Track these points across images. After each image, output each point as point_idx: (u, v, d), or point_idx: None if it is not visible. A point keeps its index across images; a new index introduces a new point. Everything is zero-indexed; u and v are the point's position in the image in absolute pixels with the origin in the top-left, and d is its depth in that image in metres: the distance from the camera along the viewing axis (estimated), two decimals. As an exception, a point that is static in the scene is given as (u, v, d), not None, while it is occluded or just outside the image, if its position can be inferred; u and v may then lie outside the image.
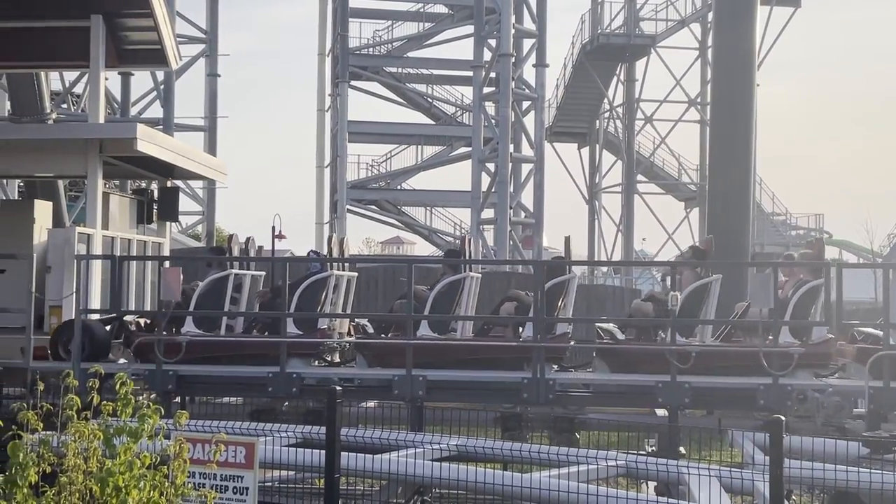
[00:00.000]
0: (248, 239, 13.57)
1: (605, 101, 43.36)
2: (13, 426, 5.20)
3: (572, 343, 12.27)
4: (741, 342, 12.01)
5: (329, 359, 12.55)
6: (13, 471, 4.99)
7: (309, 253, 13.89)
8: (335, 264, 12.63)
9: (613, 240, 43.90)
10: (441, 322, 11.99)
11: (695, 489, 7.90)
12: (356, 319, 13.19)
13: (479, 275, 13.10)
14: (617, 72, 42.61)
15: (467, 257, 12.69)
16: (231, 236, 13.64)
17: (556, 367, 11.81)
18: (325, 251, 13.04)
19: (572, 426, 11.37)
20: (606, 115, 44.02)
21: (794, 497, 9.83)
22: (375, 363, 11.93)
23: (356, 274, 13.53)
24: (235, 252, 13.23)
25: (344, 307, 13.11)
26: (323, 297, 12.23)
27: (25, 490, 5.00)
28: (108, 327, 12.56)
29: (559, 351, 11.68)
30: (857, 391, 11.03)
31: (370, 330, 12.76)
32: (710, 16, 33.74)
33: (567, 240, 12.71)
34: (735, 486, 8.23)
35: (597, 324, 13.08)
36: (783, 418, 7.13)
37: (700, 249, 12.60)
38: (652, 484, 9.63)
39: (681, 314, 11.18)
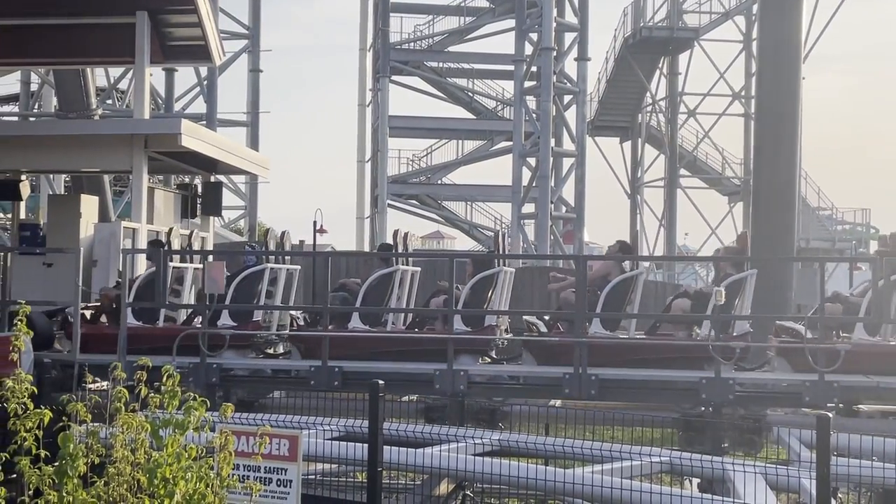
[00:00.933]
0: (283, 233, 13.64)
1: (648, 94, 43.05)
2: (63, 417, 5.27)
3: (508, 335, 12.38)
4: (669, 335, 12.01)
5: (271, 351, 12.68)
6: (63, 462, 5.06)
7: (245, 246, 13.89)
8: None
9: (656, 235, 43.62)
10: (373, 314, 12.10)
11: (739, 486, 7.83)
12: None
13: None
14: (660, 65, 42.28)
15: (501, 252, 12.76)
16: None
17: (486, 359, 11.93)
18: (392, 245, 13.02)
19: (494, 417, 11.45)
20: (649, 108, 43.71)
21: (840, 495, 9.71)
22: (308, 355, 11.92)
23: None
24: (272, 246, 13.27)
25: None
26: (260, 288, 12.29)
27: (75, 480, 5.07)
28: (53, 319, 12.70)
29: (484, 343, 11.70)
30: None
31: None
32: (755, 8, 33.38)
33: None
34: (780, 484, 8.14)
35: (524, 317, 13.07)
36: (830, 415, 7.04)
37: (627, 244, 12.67)
38: (695, 481, 9.56)
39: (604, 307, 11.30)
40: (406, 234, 12.99)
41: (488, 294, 11.99)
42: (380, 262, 12.79)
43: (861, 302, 11.21)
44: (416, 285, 13.30)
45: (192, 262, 13.19)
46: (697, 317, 11.52)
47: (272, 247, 13.11)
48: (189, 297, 13.21)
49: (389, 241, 14.90)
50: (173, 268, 12.57)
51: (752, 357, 11.24)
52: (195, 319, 12.45)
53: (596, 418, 10.05)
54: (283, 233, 13.30)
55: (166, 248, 12.76)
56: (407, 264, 12.88)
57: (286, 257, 13.05)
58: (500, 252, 12.89)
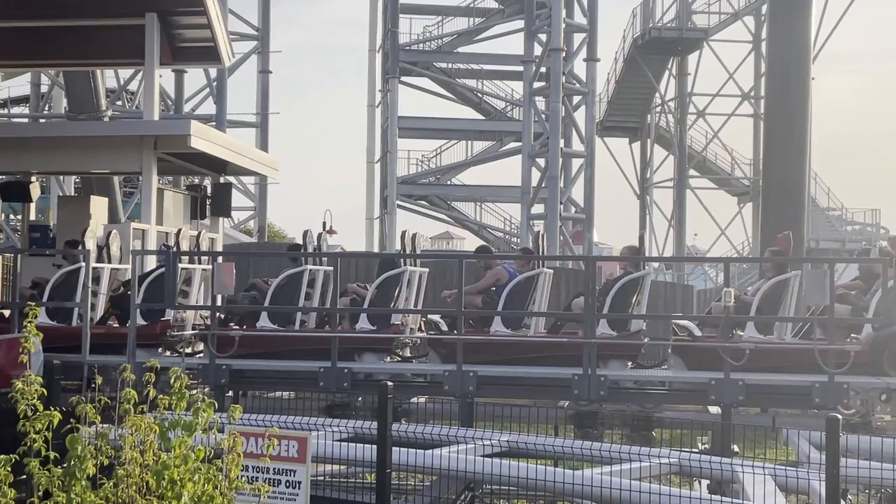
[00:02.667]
0: (305, 232, 13.64)
1: (657, 95, 43.00)
2: (72, 419, 5.28)
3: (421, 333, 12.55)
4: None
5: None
6: (72, 463, 5.07)
7: (161, 246, 13.97)
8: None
9: (665, 235, 43.56)
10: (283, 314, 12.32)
11: (749, 487, 7.81)
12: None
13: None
14: (669, 66, 42.23)
15: (540, 253, 12.89)
16: (305, 232, 13.60)
17: (389, 357, 12.18)
18: (401, 247, 13.05)
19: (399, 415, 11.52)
20: (658, 109, 43.66)
21: (850, 497, 9.67)
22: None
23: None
24: (309, 249, 13.26)
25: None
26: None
27: (84, 482, 5.08)
28: None
29: (386, 342, 11.89)
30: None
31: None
32: (765, 8, 33.32)
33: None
34: (790, 485, 8.11)
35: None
36: (840, 417, 7.02)
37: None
38: (705, 482, 9.54)
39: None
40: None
41: (394, 293, 12.00)
42: (289, 262, 12.92)
43: (753, 301, 11.42)
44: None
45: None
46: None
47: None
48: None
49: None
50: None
51: (649, 355, 11.31)
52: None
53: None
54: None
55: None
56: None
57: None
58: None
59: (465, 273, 11.47)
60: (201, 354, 12.36)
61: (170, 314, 12.37)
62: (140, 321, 11.99)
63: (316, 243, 13.12)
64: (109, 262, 13.11)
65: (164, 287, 12.00)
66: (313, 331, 12.47)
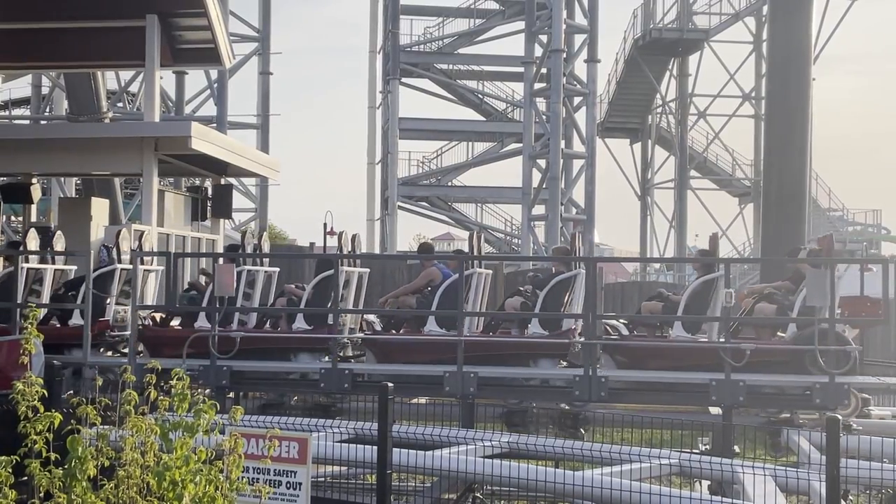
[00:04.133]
0: (243, 233, 13.71)
1: (658, 96, 43.00)
2: (72, 420, 5.28)
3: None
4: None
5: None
6: (72, 464, 5.07)
7: (101, 247, 14.05)
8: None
9: (666, 236, 43.56)
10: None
11: (749, 488, 7.81)
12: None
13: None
14: (670, 66, 42.23)
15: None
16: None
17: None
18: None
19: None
20: (659, 110, 43.66)
21: (850, 497, 9.68)
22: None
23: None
24: (249, 249, 13.23)
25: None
26: (112, 287, 12.52)
27: (84, 483, 5.08)
28: None
29: (323, 341, 11.90)
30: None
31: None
32: (765, 9, 33.32)
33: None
34: (791, 486, 8.12)
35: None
36: (840, 417, 7.02)
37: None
38: (706, 483, 9.54)
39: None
40: (355, 236, 12.85)
41: (331, 293, 11.97)
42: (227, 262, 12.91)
43: (680, 300, 11.56)
44: (365, 286, 13.31)
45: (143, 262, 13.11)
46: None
47: (250, 249, 13.01)
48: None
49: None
50: (122, 269, 12.64)
51: (583, 353, 11.36)
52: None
53: (606, 420, 10.05)
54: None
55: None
56: (354, 266, 12.82)
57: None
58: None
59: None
60: (141, 353, 12.25)
61: (109, 314, 12.45)
62: (78, 321, 11.98)
63: (257, 242, 13.22)
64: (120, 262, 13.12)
65: (105, 286, 12.03)
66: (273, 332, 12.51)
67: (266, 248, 13.53)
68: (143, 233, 13.35)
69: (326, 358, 11.95)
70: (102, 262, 12.89)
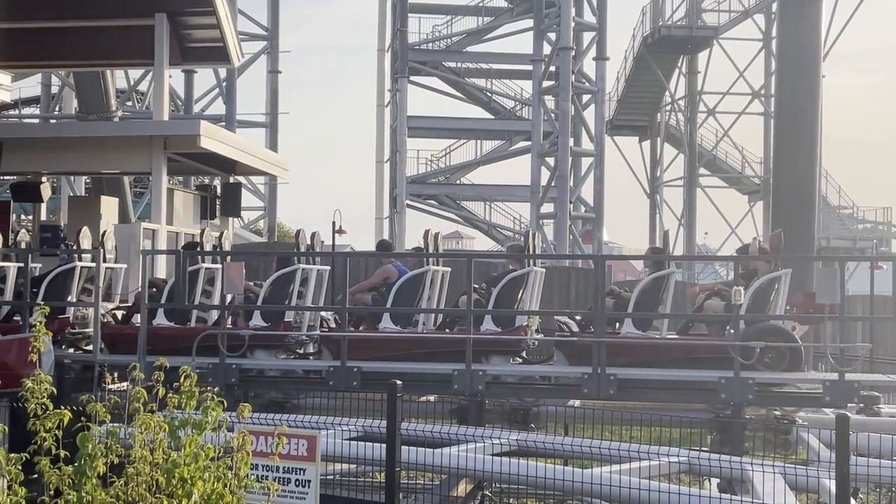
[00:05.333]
0: (298, 231, 13.71)
1: (667, 93, 42.90)
2: (82, 418, 5.30)
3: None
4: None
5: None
6: (82, 461, 5.09)
7: (61, 245, 14.09)
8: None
9: (675, 234, 43.43)
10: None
11: (759, 486, 7.79)
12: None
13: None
14: (679, 64, 42.13)
15: (531, 251, 12.77)
16: (202, 231, 13.74)
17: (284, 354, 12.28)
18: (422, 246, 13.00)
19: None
20: (668, 107, 43.55)
21: (860, 495, 9.65)
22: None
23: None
24: (209, 247, 13.25)
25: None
26: (72, 285, 12.57)
27: (94, 480, 5.09)
28: None
29: (279, 339, 12.02)
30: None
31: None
32: (775, 6, 33.22)
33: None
34: (800, 484, 8.10)
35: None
36: (849, 414, 7.00)
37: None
38: (715, 481, 9.53)
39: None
40: (437, 235, 12.98)
41: (288, 290, 12.03)
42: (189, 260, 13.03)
43: (631, 297, 11.63)
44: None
45: (439, 264, 13.17)
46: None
47: (302, 247, 13.12)
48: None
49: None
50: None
51: (537, 350, 11.49)
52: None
53: (614, 418, 10.03)
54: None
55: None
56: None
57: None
58: (530, 251, 12.83)
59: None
60: (102, 350, 12.32)
61: (69, 311, 12.55)
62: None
63: (218, 243, 13.32)
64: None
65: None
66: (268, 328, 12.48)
67: (227, 245, 13.58)
68: (104, 231, 13.46)
69: (283, 356, 12.12)
70: (62, 260, 13.00)
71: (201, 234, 13.20)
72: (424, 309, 12.21)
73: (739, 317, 10.95)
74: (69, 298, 12.48)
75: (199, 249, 12.89)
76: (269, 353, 12.00)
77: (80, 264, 12.61)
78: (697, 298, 12.23)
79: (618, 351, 11.26)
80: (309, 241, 12.59)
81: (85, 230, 13.40)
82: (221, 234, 13.62)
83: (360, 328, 12.31)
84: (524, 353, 12.17)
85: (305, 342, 12.53)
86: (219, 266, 12.80)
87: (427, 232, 12.81)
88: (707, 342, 11.53)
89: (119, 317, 12.95)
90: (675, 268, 11.60)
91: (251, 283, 12.88)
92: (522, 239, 12.65)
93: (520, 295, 11.95)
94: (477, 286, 12.55)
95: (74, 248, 13.21)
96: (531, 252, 12.53)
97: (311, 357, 12.39)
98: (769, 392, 11.15)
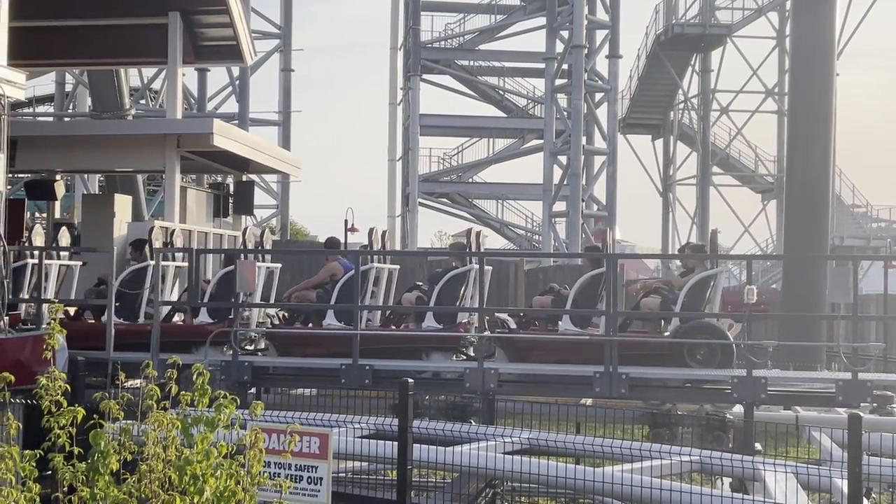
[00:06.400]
0: (151, 229, 13.83)
1: (680, 91, 42.78)
2: (95, 415, 5.33)
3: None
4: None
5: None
6: (95, 458, 5.11)
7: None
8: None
9: (688, 232, 43.33)
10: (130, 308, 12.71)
11: (771, 485, 7.77)
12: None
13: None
14: (692, 62, 42.00)
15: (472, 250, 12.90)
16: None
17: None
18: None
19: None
20: (681, 106, 43.42)
21: (873, 495, 9.62)
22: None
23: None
24: (250, 245, 13.35)
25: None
26: (23, 282, 12.86)
27: (107, 477, 5.12)
28: None
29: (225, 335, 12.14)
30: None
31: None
32: (789, 4, 33.09)
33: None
34: (812, 483, 8.07)
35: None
36: (862, 414, 6.98)
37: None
38: (727, 480, 9.50)
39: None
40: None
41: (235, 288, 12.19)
42: (134, 254, 13.35)
43: (569, 294, 11.92)
44: (395, 282, 13.56)
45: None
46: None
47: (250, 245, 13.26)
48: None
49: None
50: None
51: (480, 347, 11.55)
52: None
53: (626, 417, 10.03)
54: (263, 231, 13.48)
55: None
56: (262, 260, 13.13)
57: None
58: (471, 248, 13.02)
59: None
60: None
61: (20, 309, 12.81)
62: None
63: (169, 240, 13.54)
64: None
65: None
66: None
67: (268, 244, 13.70)
68: (61, 227, 13.61)
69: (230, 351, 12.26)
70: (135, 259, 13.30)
71: (244, 233, 13.42)
72: (370, 306, 12.53)
73: (752, 315, 10.92)
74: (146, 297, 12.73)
75: (147, 246, 13.18)
76: (215, 350, 12.19)
77: (30, 262, 12.81)
78: (637, 295, 12.50)
79: (555, 348, 11.63)
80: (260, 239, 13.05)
81: (38, 227, 13.78)
82: (263, 231, 13.76)
83: (309, 325, 12.62)
84: (468, 350, 12.37)
85: (254, 338, 12.70)
86: (171, 263, 13.08)
87: (373, 231, 13.01)
88: (647, 339, 11.80)
89: (284, 318, 13.11)
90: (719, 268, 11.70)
91: (203, 281, 13.09)
92: (465, 237, 12.93)
93: (461, 292, 12.15)
94: (420, 283, 12.81)
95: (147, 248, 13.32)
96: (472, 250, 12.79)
97: (259, 353, 12.57)
98: (779, 392, 11.13)
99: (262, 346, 12.65)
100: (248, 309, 12.37)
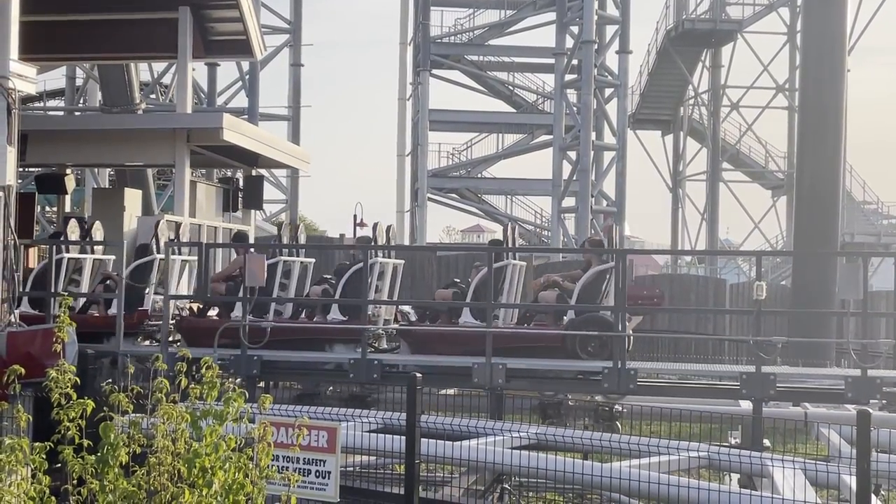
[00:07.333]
0: (297, 226, 14.00)
1: (690, 87, 42.67)
2: (104, 408, 5.35)
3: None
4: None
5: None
6: (105, 451, 5.14)
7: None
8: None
9: (697, 229, 43.27)
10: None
11: (779, 481, 7.77)
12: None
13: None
14: (702, 58, 41.88)
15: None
16: (280, 224, 14.05)
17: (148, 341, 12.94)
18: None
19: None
20: (691, 101, 43.32)
21: (882, 492, 9.60)
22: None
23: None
24: (285, 240, 13.60)
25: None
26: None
27: (116, 469, 5.14)
28: None
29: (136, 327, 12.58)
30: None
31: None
32: None
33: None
34: (820, 480, 8.06)
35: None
36: (871, 411, 6.97)
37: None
38: (735, 476, 9.50)
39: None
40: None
41: (148, 279, 12.75)
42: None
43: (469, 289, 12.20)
44: (310, 275, 13.73)
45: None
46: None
47: (285, 239, 13.46)
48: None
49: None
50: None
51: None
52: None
53: (635, 412, 10.03)
54: (298, 226, 13.58)
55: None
56: (178, 254, 13.31)
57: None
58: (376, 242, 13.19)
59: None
60: None
61: (147, 304, 12.95)
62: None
63: (295, 235, 13.66)
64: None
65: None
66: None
67: (302, 238, 13.81)
68: (299, 225, 13.79)
69: (146, 342, 12.71)
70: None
71: (279, 228, 13.62)
72: (287, 298, 12.82)
73: (762, 311, 10.90)
74: (147, 291, 12.73)
75: (63, 238, 13.36)
76: (126, 340, 12.38)
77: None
78: (537, 288, 12.74)
79: (457, 340, 11.86)
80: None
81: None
82: (298, 226, 13.89)
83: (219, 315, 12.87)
84: (373, 343, 12.67)
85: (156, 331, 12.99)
86: (96, 257, 13.32)
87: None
88: (544, 332, 11.98)
89: (197, 309, 13.32)
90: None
91: (115, 273, 13.28)
92: (373, 231, 13.19)
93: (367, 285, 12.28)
94: (328, 276, 12.96)
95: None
96: (374, 243, 12.98)
97: (176, 343, 12.72)
98: (788, 388, 11.11)
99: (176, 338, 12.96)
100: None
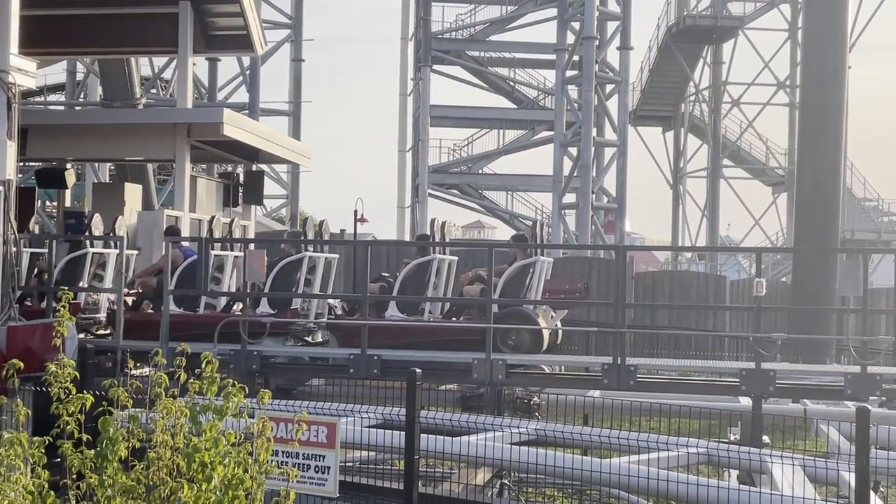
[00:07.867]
0: (321, 222, 13.90)
1: (691, 84, 42.66)
2: (104, 402, 5.35)
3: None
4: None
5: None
6: (104, 445, 5.14)
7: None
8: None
9: (698, 225, 43.28)
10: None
11: (778, 478, 7.77)
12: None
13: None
14: (703, 54, 41.86)
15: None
16: (306, 219, 14.02)
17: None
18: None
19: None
20: (692, 98, 43.30)
21: (881, 489, 9.61)
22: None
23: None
24: (310, 235, 13.55)
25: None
26: (298, 276, 12.81)
27: (115, 464, 5.14)
28: None
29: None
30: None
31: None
32: (801, -4, 32.93)
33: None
34: (819, 476, 8.07)
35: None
36: (870, 407, 6.97)
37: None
38: (734, 472, 9.51)
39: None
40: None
41: (81, 273, 12.80)
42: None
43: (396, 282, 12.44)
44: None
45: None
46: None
47: (311, 235, 13.32)
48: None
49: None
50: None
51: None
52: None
53: (634, 408, 10.03)
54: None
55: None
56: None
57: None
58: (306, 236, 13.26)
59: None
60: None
61: (80, 297, 12.97)
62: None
63: (319, 231, 13.52)
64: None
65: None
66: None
67: (325, 235, 13.79)
68: (323, 221, 13.76)
69: (83, 335, 12.58)
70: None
71: (303, 225, 13.63)
72: (222, 292, 13.00)
73: (762, 308, 10.90)
74: (80, 284, 12.70)
75: (88, 234, 13.38)
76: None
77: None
78: (466, 283, 12.88)
79: (385, 333, 12.00)
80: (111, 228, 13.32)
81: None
82: (321, 224, 13.85)
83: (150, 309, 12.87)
84: (305, 337, 12.71)
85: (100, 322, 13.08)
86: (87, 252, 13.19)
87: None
88: (463, 325, 12.19)
89: (130, 303, 13.20)
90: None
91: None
92: (316, 226, 13.42)
93: (296, 278, 12.39)
94: (386, 274, 13.37)
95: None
96: (304, 237, 13.00)
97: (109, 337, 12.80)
98: (787, 384, 11.11)
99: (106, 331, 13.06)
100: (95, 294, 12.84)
